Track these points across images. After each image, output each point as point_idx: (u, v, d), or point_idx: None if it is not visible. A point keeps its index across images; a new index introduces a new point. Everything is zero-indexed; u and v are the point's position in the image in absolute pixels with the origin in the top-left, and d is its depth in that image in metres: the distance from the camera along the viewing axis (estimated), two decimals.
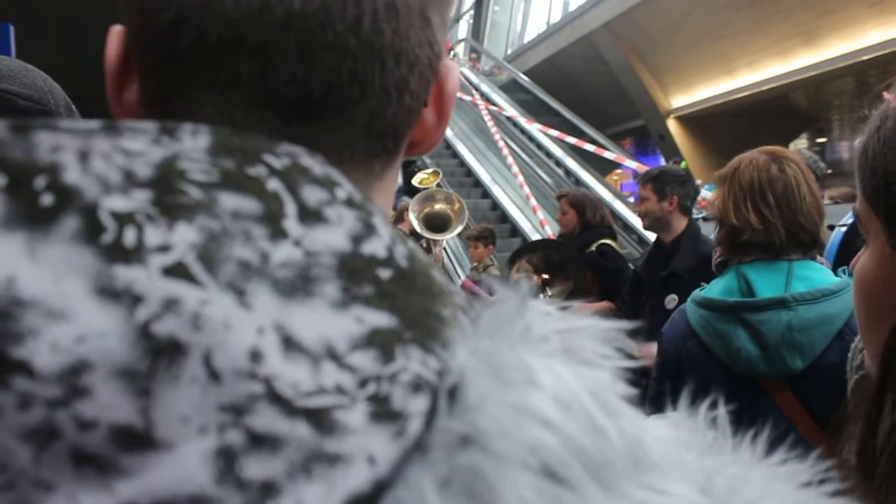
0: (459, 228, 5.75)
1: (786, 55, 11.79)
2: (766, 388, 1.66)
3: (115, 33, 0.42)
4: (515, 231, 8.54)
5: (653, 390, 1.94)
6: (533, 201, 8.29)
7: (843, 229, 3.13)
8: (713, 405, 0.39)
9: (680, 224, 3.45)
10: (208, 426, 0.26)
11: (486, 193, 9.53)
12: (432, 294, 0.33)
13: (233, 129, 0.33)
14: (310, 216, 0.31)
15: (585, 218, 4.48)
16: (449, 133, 11.04)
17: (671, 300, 3.08)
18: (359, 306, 0.30)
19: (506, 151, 9.46)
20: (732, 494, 0.34)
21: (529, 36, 18.22)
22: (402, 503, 0.28)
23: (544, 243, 5.20)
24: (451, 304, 0.33)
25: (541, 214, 7.94)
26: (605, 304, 4.03)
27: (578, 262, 4.24)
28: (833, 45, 10.96)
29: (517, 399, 0.30)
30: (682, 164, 11.15)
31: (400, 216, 6.27)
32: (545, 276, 4.32)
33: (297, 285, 0.29)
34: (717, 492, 0.33)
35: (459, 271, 7.14)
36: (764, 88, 12.56)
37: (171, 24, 0.37)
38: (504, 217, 8.91)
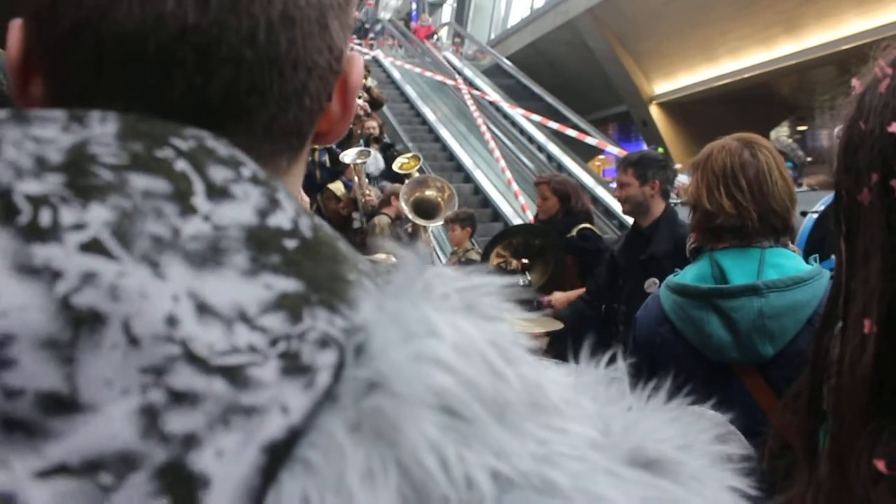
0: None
1: (768, 43, 11.84)
2: (738, 374, 1.67)
3: (16, 28, 0.42)
4: (497, 215, 8.55)
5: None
6: (515, 186, 8.30)
7: (815, 216, 3.14)
8: (612, 360, 0.41)
9: (658, 208, 3.46)
10: (131, 387, 0.28)
11: (468, 178, 9.52)
12: (337, 260, 0.34)
13: (140, 116, 0.35)
14: (217, 193, 0.33)
15: (569, 205, 4.49)
16: (432, 117, 11.02)
17: (651, 284, 3.09)
18: (267, 274, 0.32)
19: (488, 136, 9.45)
20: (628, 434, 0.36)
21: (513, 21, 18.17)
22: (316, 447, 0.30)
23: (525, 228, 5.21)
24: (356, 270, 0.35)
25: (522, 199, 7.95)
26: (582, 291, 4.04)
27: (558, 248, 4.25)
28: (815, 33, 11.02)
29: (419, 348, 0.32)
30: (659, 150, 11.17)
31: (386, 201, 6.25)
32: (525, 260, 4.33)
33: (208, 256, 0.31)
34: (613, 432, 0.36)
35: (441, 256, 7.14)
36: (746, 76, 12.62)
37: (65, 35, 0.38)
38: (486, 201, 8.91)
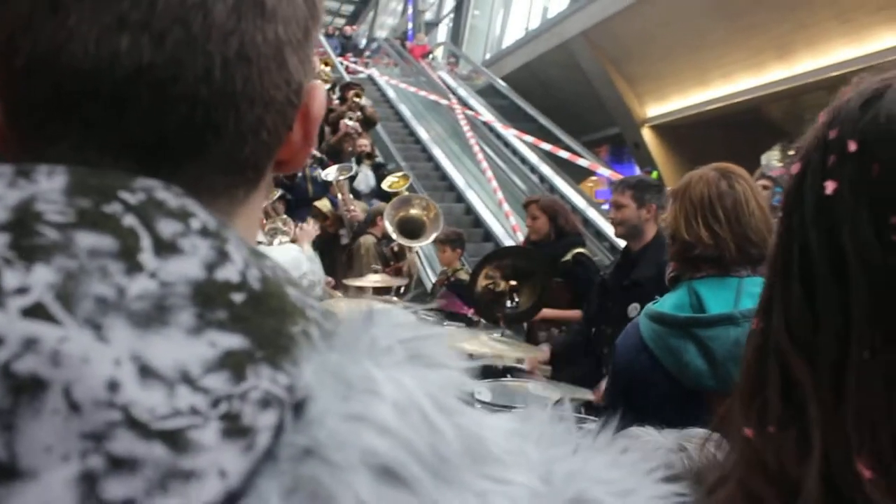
0: (434, 235, 5.73)
1: (759, 68, 11.93)
2: (714, 401, 1.67)
3: None
4: (488, 236, 8.56)
5: (607, 400, 1.95)
6: (506, 206, 8.32)
7: None
8: (559, 400, 0.42)
9: (651, 233, 3.47)
10: (70, 453, 0.28)
11: (460, 197, 9.54)
12: (284, 313, 0.35)
13: (90, 168, 0.35)
14: (165, 248, 0.33)
15: (558, 224, 4.50)
16: (425, 136, 11.05)
17: (633, 309, 3.10)
18: (212, 331, 0.32)
19: (481, 156, 9.48)
20: (570, 481, 0.37)
21: (508, 42, 18.29)
22: None
23: (513, 250, 5.21)
24: (304, 321, 0.35)
25: (513, 220, 7.97)
26: (576, 312, 4.05)
27: (546, 272, 4.25)
28: (805, 59, 11.11)
29: (358, 409, 0.32)
30: (654, 175, 11.22)
31: (373, 220, 6.26)
32: (513, 282, 4.33)
33: (153, 316, 0.31)
34: (555, 480, 0.36)
35: (431, 275, 7.14)
36: (737, 100, 12.69)
37: (19, 71, 0.38)
38: (477, 221, 8.92)
